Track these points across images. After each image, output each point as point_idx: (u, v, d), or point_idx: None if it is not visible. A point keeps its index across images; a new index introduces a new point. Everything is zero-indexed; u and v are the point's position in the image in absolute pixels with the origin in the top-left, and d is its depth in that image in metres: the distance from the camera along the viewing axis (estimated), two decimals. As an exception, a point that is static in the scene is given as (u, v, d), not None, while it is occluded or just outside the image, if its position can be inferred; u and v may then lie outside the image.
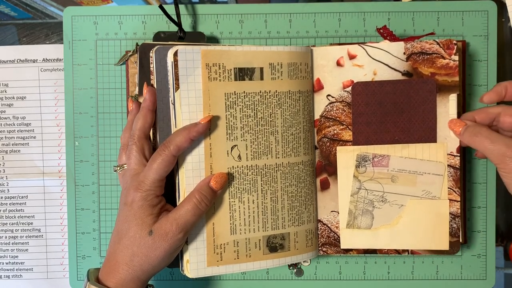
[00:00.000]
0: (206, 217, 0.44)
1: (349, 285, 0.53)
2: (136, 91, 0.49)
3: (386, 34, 0.48)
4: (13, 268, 0.53)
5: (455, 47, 0.47)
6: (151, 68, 0.46)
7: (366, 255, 0.52)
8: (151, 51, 0.45)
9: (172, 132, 0.44)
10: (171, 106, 0.44)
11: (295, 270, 0.53)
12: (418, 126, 0.47)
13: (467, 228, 0.52)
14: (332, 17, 0.52)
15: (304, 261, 0.52)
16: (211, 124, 0.44)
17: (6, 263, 0.53)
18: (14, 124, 0.53)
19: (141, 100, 0.47)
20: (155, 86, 0.46)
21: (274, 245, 0.47)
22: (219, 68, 0.44)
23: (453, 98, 0.47)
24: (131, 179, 0.43)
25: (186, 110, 0.43)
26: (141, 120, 0.45)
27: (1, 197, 0.53)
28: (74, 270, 0.52)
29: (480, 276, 0.52)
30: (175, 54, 0.43)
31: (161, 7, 0.48)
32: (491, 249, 0.52)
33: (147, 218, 0.42)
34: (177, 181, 0.45)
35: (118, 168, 0.45)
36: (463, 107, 0.50)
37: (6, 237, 0.54)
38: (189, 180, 0.44)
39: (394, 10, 0.51)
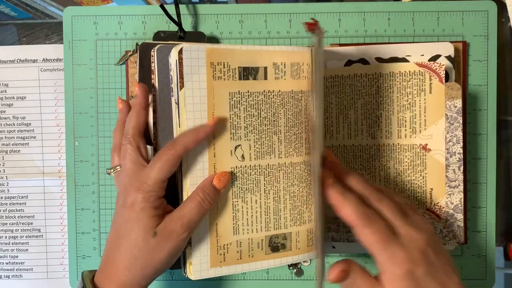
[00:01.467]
0: (209, 217, 0.44)
1: (349, 285, 0.53)
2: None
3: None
4: (13, 268, 0.53)
5: None
6: (152, 67, 0.46)
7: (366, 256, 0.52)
8: (153, 50, 0.45)
9: (175, 132, 0.44)
10: (174, 105, 0.44)
11: (295, 270, 0.53)
12: None
13: (467, 228, 0.52)
14: (332, 17, 0.52)
15: (304, 261, 0.52)
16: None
17: (6, 263, 0.53)
18: (14, 124, 0.53)
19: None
20: (156, 85, 0.45)
21: (276, 245, 0.46)
22: (224, 67, 0.44)
23: None
24: (129, 179, 0.42)
25: (190, 109, 0.43)
26: (134, 118, 0.44)
27: (1, 197, 0.53)
28: (74, 270, 0.52)
29: (480, 276, 0.52)
30: (180, 52, 0.42)
31: (162, 6, 0.48)
32: (491, 249, 0.52)
33: (150, 220, 0.40)
34: (179, 181, 0.44)
35: (112, 170, 0.44)
36: (464, 108, 0.50)
37: (6, 237, 0.54)
38: (192, 180, 0.43)
39: (394, 10, 0.51)
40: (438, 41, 0.51)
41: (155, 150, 0.46)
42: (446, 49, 0.49)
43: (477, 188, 0.52)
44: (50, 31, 0.54)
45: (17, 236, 0.54)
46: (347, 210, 0.38)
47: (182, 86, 0.43)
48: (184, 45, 0.42)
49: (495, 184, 0.52)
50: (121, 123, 0.46)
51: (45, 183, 0.53)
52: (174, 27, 0.50)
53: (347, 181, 0.42)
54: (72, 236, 0.52)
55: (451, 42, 0.50)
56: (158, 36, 0.50)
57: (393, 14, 0.51)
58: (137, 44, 0.50)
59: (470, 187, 0.52)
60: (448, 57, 0.49)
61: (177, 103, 0.43)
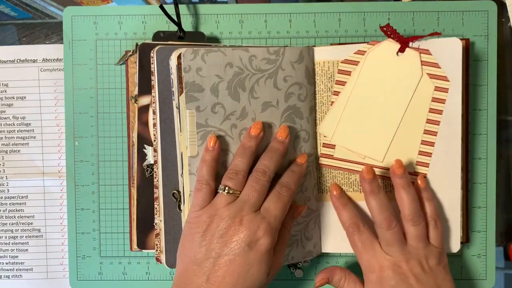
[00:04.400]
0: None
1: (349, 285, 0.53)
2: (136, 91, 0.49)
3: (390, 32, 0.47)
4: (13, 268, 0.53)
5: None
6: (151, 69, 0.46)
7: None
8: (152, 52, 0.45)
9: (177, 136, 0.44)
10: (175, 110, 0.44)
11: (295, 270, 0.53)
12: None
13: (468, 228, 0.52)
14: (332, 17, 0.52)
15: (304, 261, 0.52)
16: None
17: (6, 263, 0.53)
18: (14, 124, 0.53)
19: (142, 101, 0.47)
20: (156, 87, 0.45)
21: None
22: None
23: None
24: (255, 216, 0.41)
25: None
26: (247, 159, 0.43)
27: (1, 197, 0.53)
28: (74, 270, 0.52)
29: (480, 276, 0.52)
30: (179, 57, 0.42)
31: (161, 7, 0.48)
32: (491, 249, 0.52)
33: (269, 261, 0.41)
34: (181, 185, 0.45)
35: (226, 189, 0.41)
36: (466, 107, 0.50)
37: (6, 237, 0.54)
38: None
39: (394, 10, 0.51)
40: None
41: (155, 152, 0.46)
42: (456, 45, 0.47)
43: (477, 188, 0.52)
44: (50, 31, 0.54)
45: (17, 236, 0.54)
46: (343, 217, 0.47)
47: (181, 91, 0.43)
48: (183, 50, 0.42)
49: (495, 184, 0.52)
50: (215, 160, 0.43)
51: (45, 183, 0.53)
52: (174, 27, 0.50)
53: (367, 201, 0.46)
54: (72, 236, 0.52)
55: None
56: (158, 36, 0.50)
57: (393, 14, 0.51)
58: (137, 44, 0.50)
59: (470, 187, 0.52)
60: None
61: (178, 108, 0.43)
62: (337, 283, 0.46)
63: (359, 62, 0.48)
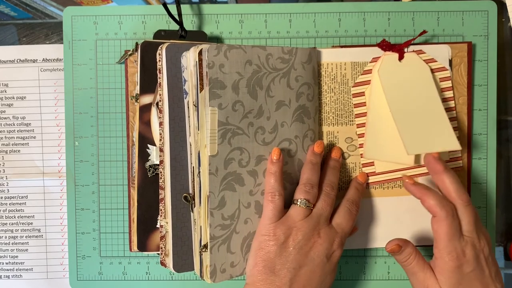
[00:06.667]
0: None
1: (349, 285, 0.53)
2: (136, 90, 0.49)
3: (386, 47, 0.49)
4: (13, 268, 0.53)
5: None
6: (159, 66, 0.45)
7: (365, 252, 0.52)
8: (160, 48, 0.45)
9: (193, 134, 0.43)
10: (192, 108, 0.43)
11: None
12: None
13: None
14: (332, 17, 0.52)
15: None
16: None
17: (6, 263, 0.53)
18: (14, 124, 0.53)
19: (143, 100, 0.47)
20: (163, 84, 0.45)
21: None
22: None
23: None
24: (331, 230, 0.45)
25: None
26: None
27: (1, 197, 0.53)
28: (74, 270, 0.52)
29: (480, 276, 0.52)
30: (200, 53, 0.42)
31: (164, 5, 0.48)
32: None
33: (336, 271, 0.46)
34: (195, 186, 0.44)
35: (305, 202, 0.45)
36: (468, 107, 0.50)
37: (6, 237, 0.54)
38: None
39: (394, 10, 0.51)
40: (438, 42, 0.51)
41: (161, 151, 0.46)
42: (444, 51, 0.50)
43: (477, 188, 0.52)
44: (50, 31, 0.54)
45: (17, 236, 0.53)
46: (430, 201, 0.43)
47: (202, 88, 0.42)
48: (204, 46, 0.42)
49: (495, 184, 0.52)
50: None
51: (45, 183, 0.53)
52: (173, 27, 0.50)
53: (440, 180, 0.45)
54: (72, 236, 0.52)
55: (457, 42, 0.50)
56: (159, 35, 0.49)
57: (393, 14, 0.51)
58: (137, 44, 0.50)
59: (470, 187, 0.52)
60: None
61: (196, 105, 0.43)
62: (406, 258, 0.44)
63: (370, 80, 0.49)
